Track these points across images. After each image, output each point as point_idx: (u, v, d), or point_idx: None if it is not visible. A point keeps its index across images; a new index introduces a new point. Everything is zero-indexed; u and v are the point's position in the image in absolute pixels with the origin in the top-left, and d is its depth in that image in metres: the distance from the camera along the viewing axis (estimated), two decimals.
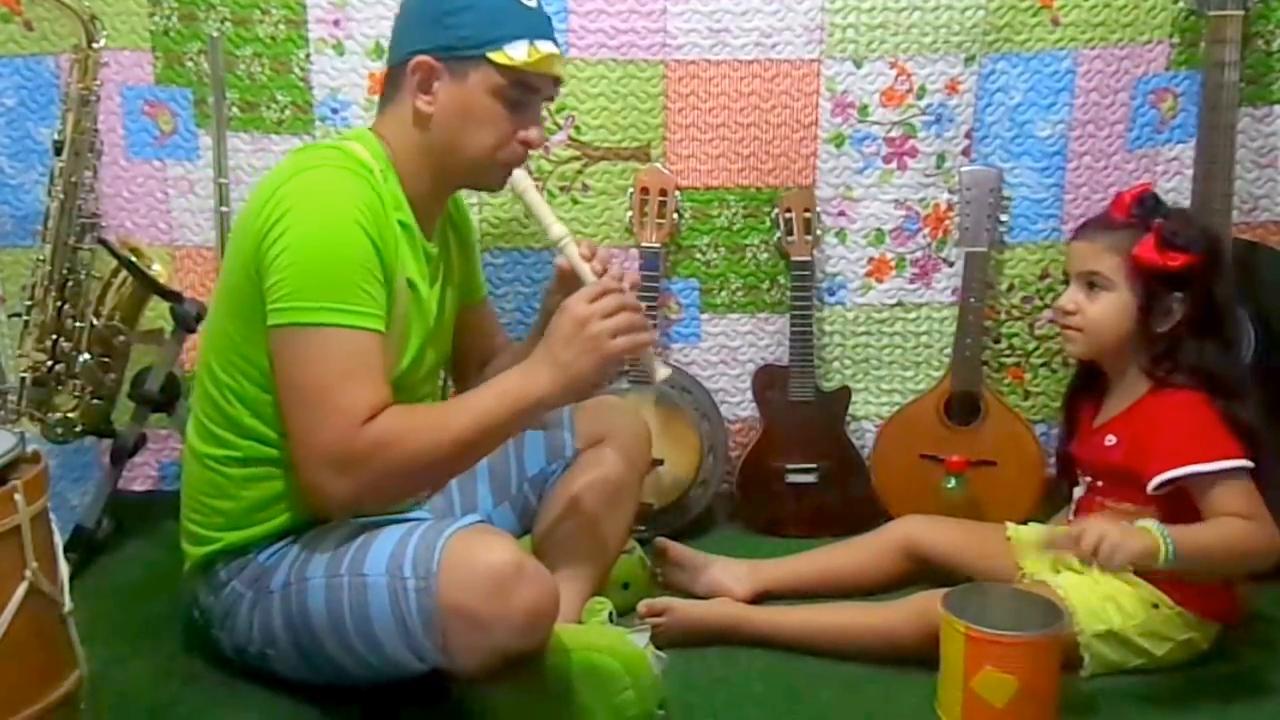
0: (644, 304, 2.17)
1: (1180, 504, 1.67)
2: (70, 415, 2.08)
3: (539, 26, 1.60)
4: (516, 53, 1.56)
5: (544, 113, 2.23)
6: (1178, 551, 1.56)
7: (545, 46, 1.59)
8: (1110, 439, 1.79)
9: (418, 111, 1.59)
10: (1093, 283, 1.78)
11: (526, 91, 1.60)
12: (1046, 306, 2.33)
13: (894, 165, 2.31)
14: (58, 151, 2.03)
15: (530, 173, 1.73)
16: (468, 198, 1.86)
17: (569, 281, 1.68)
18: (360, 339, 1.47)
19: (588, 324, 1.50)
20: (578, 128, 2.28)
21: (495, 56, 1.55)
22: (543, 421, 1.77)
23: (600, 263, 1.67)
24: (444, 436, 1.49)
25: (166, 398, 2.16)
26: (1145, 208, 1.75)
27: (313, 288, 1.45)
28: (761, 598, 1.92)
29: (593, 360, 1.50)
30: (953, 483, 2.20)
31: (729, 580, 1.93)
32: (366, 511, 1.54)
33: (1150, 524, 1.59)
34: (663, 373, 1.69)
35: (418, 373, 1.66)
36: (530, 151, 1.66)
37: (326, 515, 1.56)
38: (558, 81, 1.66)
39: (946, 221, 2.33)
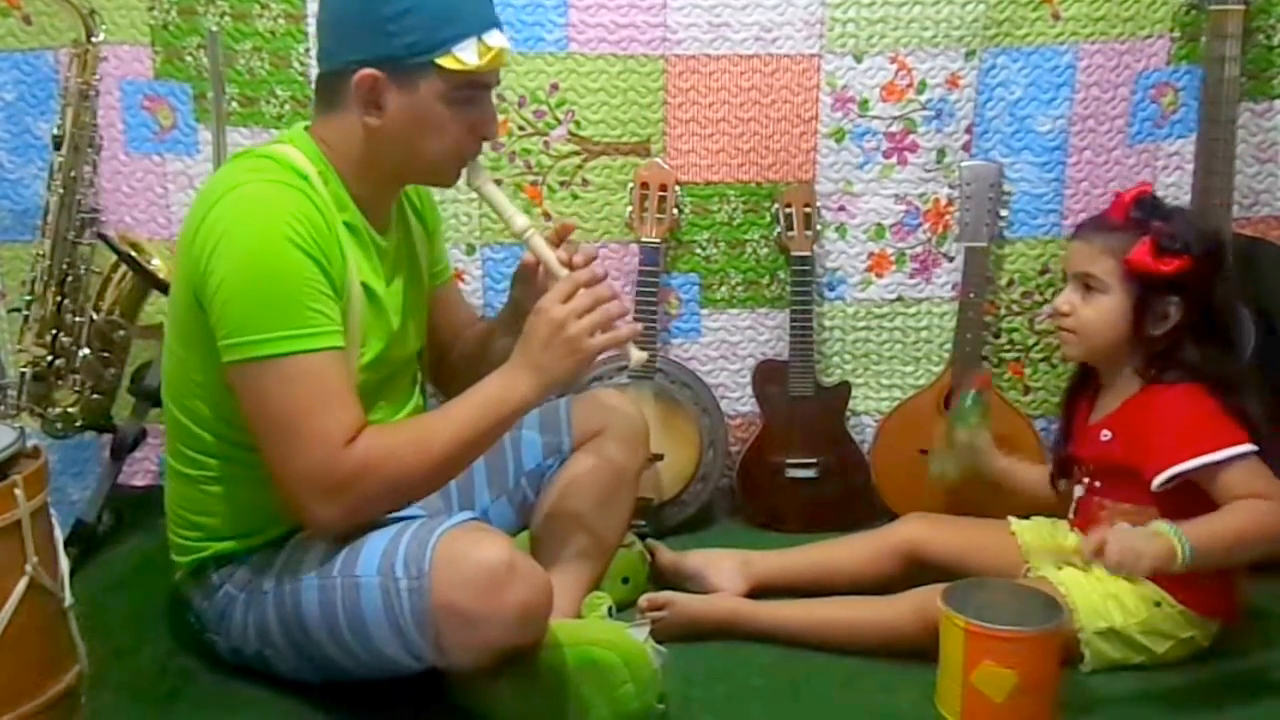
0: (643, 295, 2.23)
1: (1182, 499, 1.65)
2: (70, 410, 2.08)
3: (484, 16, 1.50)
4: (466, 55, 1.46)
5: (543, 109, 2.26)
6: (1194, 550, 1.52)
7: (494, 40, 1.49)
8: (1106, 434, 1.78)
9: (366, 126, 1.50)
10: (1088, 284, 1.76)
11: (478, 89, 1.52)
12: (1047, 301, 2.33)
13: (894, 160, 2.30)
14: (57, 146, 2.03)
15: (486, 166, 1.64)
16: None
17: (535, 274, 1.64)
18: (320, 360, 1.42)
19: (565, 326, 1.48)
20: (577, 123, 2.27)
21: (444, 62, 1.46)
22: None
23: (567, 250, 1.59)
24: (428, 452, 1.47)
25: None
26: (1143, 210, 1.73)
27: (259, 318, 1.40)
28: (756, 593, 1.91)
29: (572, 361, 1.50)
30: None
31: (722, 583, 1.91)
32: (360, 526, 1.50)
33: (1163, 526, 1.55)
34: (638, 356, 1.60)
35: (379, 373, 1.61)
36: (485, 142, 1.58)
37: (320, 535, 1.53)
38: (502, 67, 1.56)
39: (947, 216, 2.32)
